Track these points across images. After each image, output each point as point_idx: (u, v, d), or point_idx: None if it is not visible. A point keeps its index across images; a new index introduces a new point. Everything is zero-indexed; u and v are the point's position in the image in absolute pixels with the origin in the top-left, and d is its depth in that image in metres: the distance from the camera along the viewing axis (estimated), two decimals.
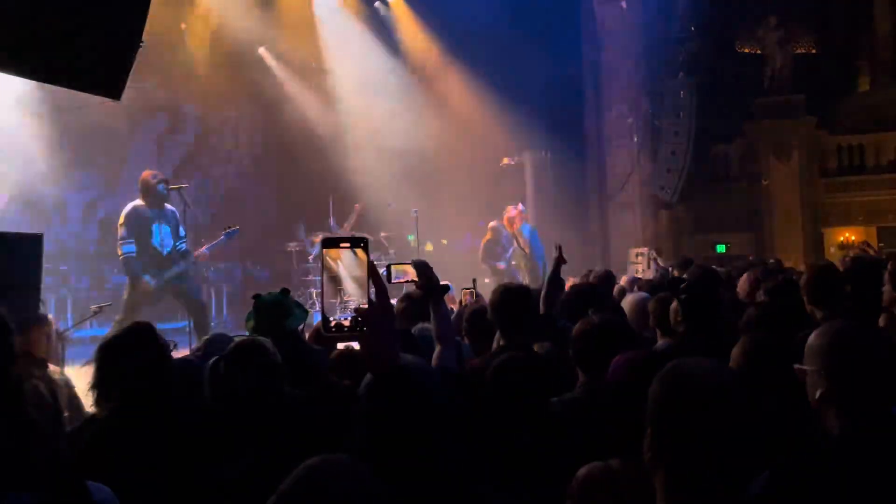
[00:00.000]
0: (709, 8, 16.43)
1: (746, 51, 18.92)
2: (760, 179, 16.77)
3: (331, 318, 1.61)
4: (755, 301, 4.75)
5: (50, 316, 5.07)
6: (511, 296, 3.63)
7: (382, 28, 14.82)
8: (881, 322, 3.99)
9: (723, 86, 16.80)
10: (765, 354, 2.53)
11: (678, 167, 14.72)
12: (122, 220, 7.71)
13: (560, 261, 4.70)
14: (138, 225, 7.64)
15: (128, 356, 2.70)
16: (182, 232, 7.99)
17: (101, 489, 2.04)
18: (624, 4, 15.07)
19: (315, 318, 10.02)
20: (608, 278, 6.25)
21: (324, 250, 1.61)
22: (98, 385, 2.70)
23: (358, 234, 2.96)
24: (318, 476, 1.35)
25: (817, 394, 1.92)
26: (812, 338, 1.97)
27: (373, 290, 1.63)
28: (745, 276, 5.64)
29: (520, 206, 12.08)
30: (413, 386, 1.66)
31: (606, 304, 4.69)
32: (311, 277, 12.39)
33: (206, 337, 4.14)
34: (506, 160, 14.83)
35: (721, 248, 16.33)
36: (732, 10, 18.08)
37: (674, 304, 3.86)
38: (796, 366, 2.02)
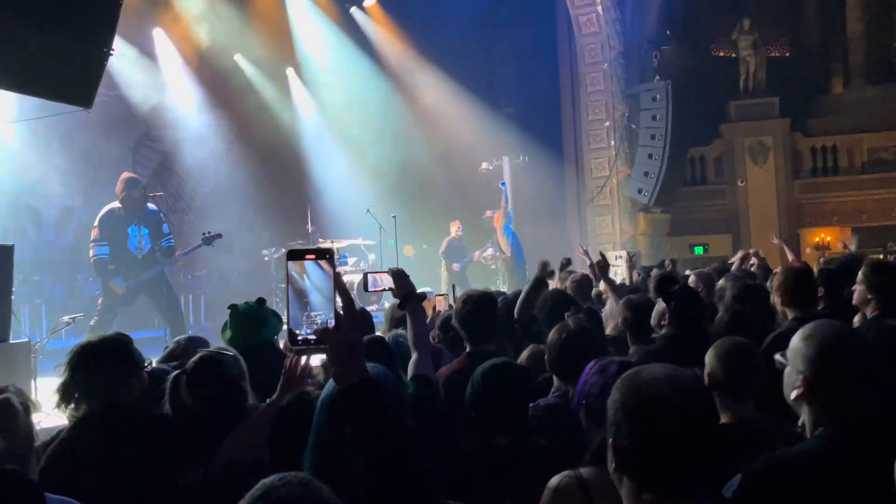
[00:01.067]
0: (684, 12, 16.58)
1: (721, 54, 19.08)
2: (737, 181, 16.91)
3: (297, 333, 1.58)
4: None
5: None
6: (475, 303, 3.63)
7: (359, 34, 14.80)
8: (856, 322, 4.03)
9: (698, 89, 16.92)
10: (740, 359, 2.53)
11: (655, 170, 14.79)
12: (96, 221, 7.65)
13: (543, 280, 4.68)
14: (113, 228, 7.57)
15: (98, 364, 2.66)
16: (166, 229, 7.92)
17: (64, 501, 2.01)
18: (600, 9, 15.14)
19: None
20: (586, 283, 6.26)
21: (288, 262, 1.57)
22: (65, 390, 2.66)
23: (323, 246, 2.98)
24: (274, 497, 1.32)
25: (793, 393, 1.93)
26: (796, 337, 1.97)
27: (339, 302, 1.59)
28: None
29: (503, 189, 12.39)
30: (374, 399, 1.63)
31: (584, 308, 4.70)
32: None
33: (181, 339, 4.08)
34: (484, 165, 14.86)
35: (699, 251, 16.44)
36: (707, 13, 18.25)
37: (661, 306, 3.86)
38: (777, 356, 2.02)
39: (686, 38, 17.23)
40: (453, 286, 6.47)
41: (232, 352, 2.83)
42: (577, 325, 3.03)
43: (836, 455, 1.83)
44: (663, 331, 3.81)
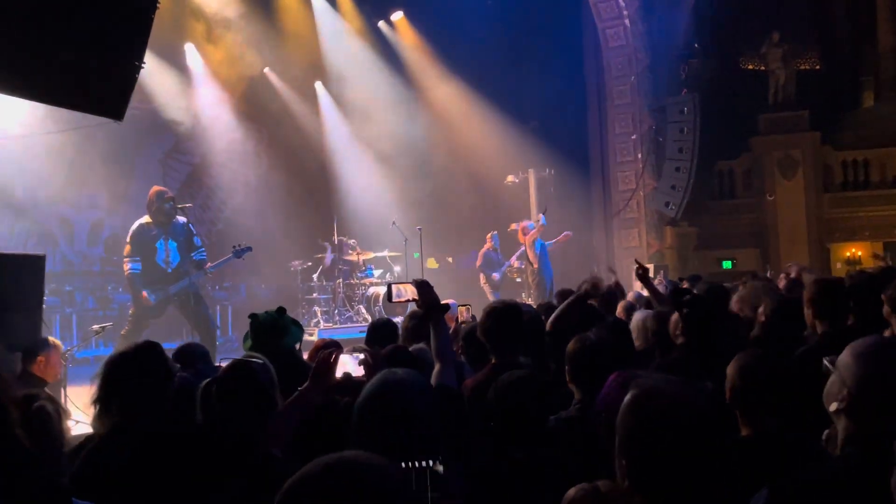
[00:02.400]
0: (712, 25, 16.50)
1: (751, 67, 18.95)
2: (766, 195, 16.74)
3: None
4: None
5: (54, 339, 5.10)
6: (500, 315, 3.63)
7: (387, 48, 14.90)
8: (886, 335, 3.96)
9: (727, 102, 16.82)
10: (759, 372, 2.50)
11: (683, 184, 14.70)
12: (128, 237, 7.82)
13: (588, 296, 4.61)
14: (142, 243, 7.71)
15: (133, 374, 2.70)
16: (197, 241, 8.05)
17: None
18: (627, 22, 15.12)
19: (319, 334, 10.04)
20: (612, 295, 6.23)
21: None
22: (100, 400, 2.70)
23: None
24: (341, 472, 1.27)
25: (833, 404, 1.89)
26: (849, 350, 1.92)
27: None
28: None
29: (540, 219, 12.30)
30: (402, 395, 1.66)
31: (609, 321, 4.67)
32: (315, 296, 12.39)
33: (177, 347, 4.15)
34: (510, 178, 14.86)
35: (727, 265, 16.28)
36: (736, 27, 18.14)
37: (674, 317, 3.84)
38: (825, 360, 1.99)
39: (714, 50, 17.15)
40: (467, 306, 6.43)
41: (261, 359, 2.85)
42: (596, 336, 3.01)
43: (865, 472, 1.79)
44: (678, 342, 3.80)
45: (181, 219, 7.96)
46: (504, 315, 3.61)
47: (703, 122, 14.85)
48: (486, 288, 12.75)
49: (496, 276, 12.69)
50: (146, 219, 7.88)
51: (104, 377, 2.71)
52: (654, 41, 15.18)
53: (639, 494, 1.44)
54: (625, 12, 15.06)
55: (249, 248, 8.53)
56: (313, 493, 1.23)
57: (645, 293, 6.02)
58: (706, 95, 15.31)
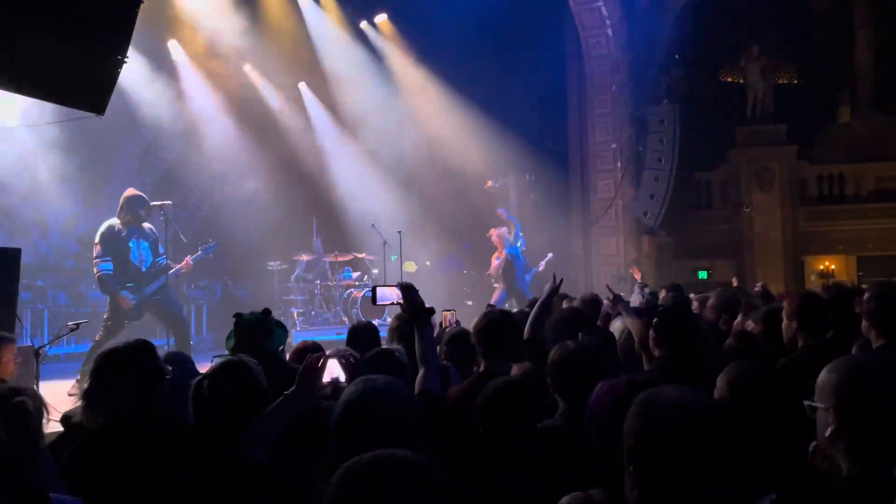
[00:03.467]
0: (693, 37, 16.65)
1: (730, 79, 19.14)
2: (742, 207, 16.91)
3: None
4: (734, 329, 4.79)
5: (8, 334, 4.93)
6: (494, 321, 3.62)
7: (370, 50, 14.86)
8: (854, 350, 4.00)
9: (706, 114, 16.98)
10: (750, 384, 2.51)
11: (661, 193, 14.82)
12: (97, 238, 7.65)
13: (555, 291, 4.70)
14: (114, 243, 7.57)
15: (126, 370, 2.66)
16: (161, 249, 7.94)
17: (64, 501, 2.00)
18: (610, 32, 15.22)
19: (296, 339, 9.97)
20: (595, 302, 6.24)
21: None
22: (89, 395, 2.66)
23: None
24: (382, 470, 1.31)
25: (828, 431, 1.85)
26: (824, 373, 1.89)
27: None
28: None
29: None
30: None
31: (594, 329, 4.67)
32: (292, 297, 12.30)
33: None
34: (490, 183, 14.88)
35: (703, 275, 16.41)
36: (716, 39, 18.32)
37: (651, 330, 3.88)
38: (807, 402, 1.96)
39: (695, 62, 17.30)
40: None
41: (252, 360, 2.83)
42: (577, 343, 3.00)
43: (870, 493, 1.76)
44: (656, 353, 3.83)
45: (148, 225, 7.88)
46: (496, 322, 3.61)
47: (683, 132, 14.98)
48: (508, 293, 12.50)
49: (527, 278, 12.43)
50: (115, 220, 7.74)
51: (95, 373, 2.67)
52: (635, 51, 15.29)
53: (644, 501, 1.43)
54: (607, 21, 15.16)
55: (215, 245, 8.46)
56: (361, 490, 1.28)
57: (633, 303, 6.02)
58: (686, 106, 15.45)
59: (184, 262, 8.00)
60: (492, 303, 10.87)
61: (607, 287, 5.13)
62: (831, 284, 10.47)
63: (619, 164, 15.56)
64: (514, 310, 10.08)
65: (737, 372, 2.54)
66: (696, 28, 16.70)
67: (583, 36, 15.48)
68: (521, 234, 12.22)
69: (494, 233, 12.04)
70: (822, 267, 16.77)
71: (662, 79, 15.67)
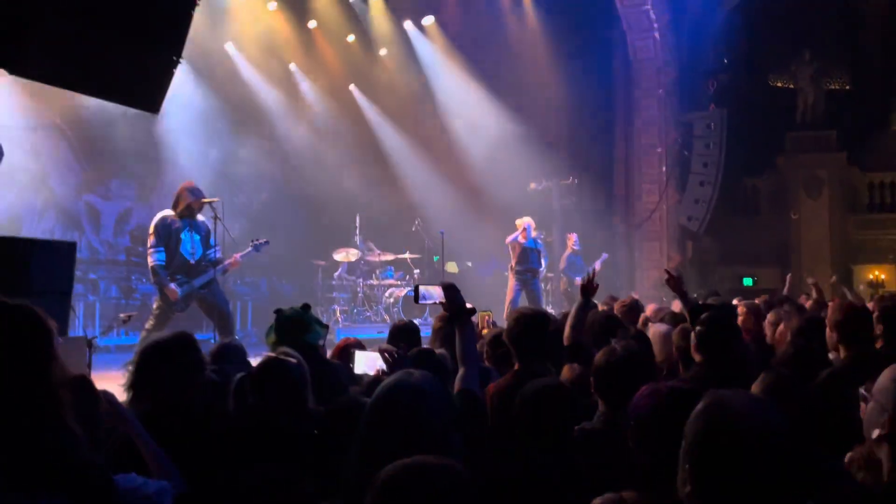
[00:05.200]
0: (742, 41, 16.43)
1: (779, 85, 18.84)
2: (790, 214, 16.63)
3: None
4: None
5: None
6: (527, 321, 3.65)
7: (412, 50, 14.96)
8: None
9: (754, 119, 16.73)
10: (783, 392, 2.51)
11: (707, 198, 14.66)
12: (151, 229, 7.82)
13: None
14: (167, 234, 7.74)
15: (166, 362, 2.76)
16: (213, 241, 8.07)
17: (130, 479, 2.08)
18: (657, 35, 15.10)
19: (338, 336, 10.11)
20: (634, 307, 6.24)
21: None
22: (134, 386, 2.76)
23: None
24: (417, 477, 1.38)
25: (876, 431, 1.87)
26: (887, 377, 1.89)
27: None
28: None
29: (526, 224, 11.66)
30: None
31: (631, 333, 4.68)
32: (335, 294, 12.45)
33: (215, 347, 4.16)
34: (532, 185, 14.85)
35: (748, 282, 16.18)
36: (766, 43, 18.05)
37: (692, 335, 3.87)
38: (861, 390, 1.98)
39: (743, 66, 17.06)
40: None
41: (296, 357, 2.90)
42: (624, 349, 3.03)
43: None
44: (697, 359, 3.82)
45: (201, 218, 8.02)
46: (530, 322, 3.63)
47: (730, 137, 14.80)
48: (569, 292, 12.35)
49: (579, 280, 12.26)
50: (169, 211, 7.92)
51: (139, 364, 2.77)
52: (683, 55, 15.15)
53: (699, 501, 1.47)
54: (655, 25, 15.04)
55: (267, 242, 8.57)
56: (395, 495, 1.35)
57: (675, 307, 5.99)
58: (733, 111, 15.25)
59: (232, 259, 8.13)
60: (508, 301, 11.03)
61: (665, 271, 5.09)
62: (884, 295, 10.27)
63: (664, 169, 15.43)
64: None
65: (770, 380, 2.54)
66: (746, 32, 16.47)
67: (630, 39, 15.38)
68: (541, 247, 11.87)
69: (522, 224, 11.61)
70: (871, 276, 16.40)
71: (710, 83, 15.49)
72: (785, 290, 8.94)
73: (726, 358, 3.63)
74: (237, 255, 8.14)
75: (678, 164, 15.24)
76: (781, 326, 5.12)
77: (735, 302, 7.55)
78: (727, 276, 15.93)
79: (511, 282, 11.37)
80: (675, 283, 4.87)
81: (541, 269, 11.81)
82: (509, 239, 11.43)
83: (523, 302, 10.89)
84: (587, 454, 2.67)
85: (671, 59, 15.21)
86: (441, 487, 1.37)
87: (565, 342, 4.30)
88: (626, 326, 4.89)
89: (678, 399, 2.00)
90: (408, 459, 1.43)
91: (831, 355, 3.94)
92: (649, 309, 7.49)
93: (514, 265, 11.38)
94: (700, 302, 7.50)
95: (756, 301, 7.08)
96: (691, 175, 14.95)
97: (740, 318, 5.78)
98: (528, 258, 11.37)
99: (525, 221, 11.56)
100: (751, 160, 16.57)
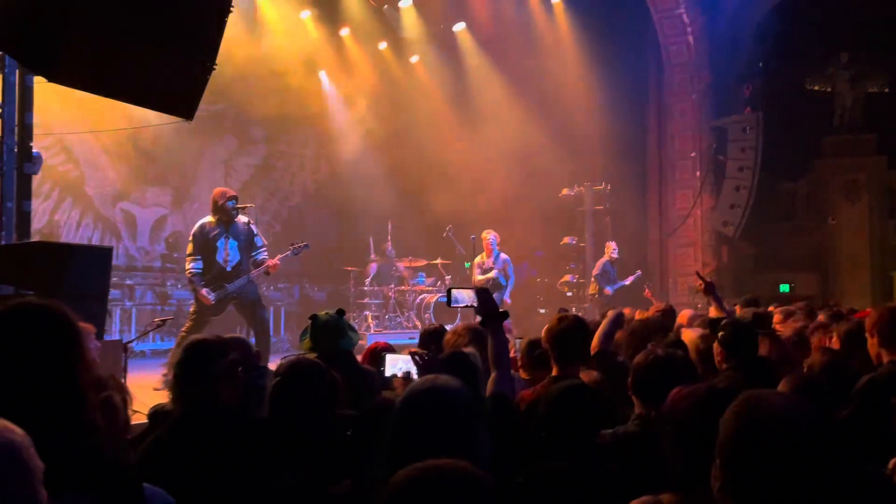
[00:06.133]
0: (778, 44, 16.22)
1: (816, 88, 18.54)
2: (828, 219, 16.35)
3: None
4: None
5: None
6: (570, 327, 3.63)
7: (445, 54, 14.99)
8: None
9: (791, 123, 16.48)
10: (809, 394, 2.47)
11: (742, 203, 14.48)
12: (190, 236, 8.00)
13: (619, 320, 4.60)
14: (204, 242, 7.87)
15: (206, 362, 2.78)
16: (259, 241, 8.17)
17: (156, 493, 2.09)
18: (691, 39, 14.97)
19: (369, 340, 10.12)
20: (670, 313, 6.17)
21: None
22: (175, 386, 2.79)
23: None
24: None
25: None
26: None
27: None
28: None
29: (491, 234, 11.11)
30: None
31: (669, 340, 4.62)
32: (367, 300, 12.50)
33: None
34: (564, 191, 14.79)
35: (785, 288, 15.92)
36: (802, 46, 17.78)
37: (715, 343, 3.85)
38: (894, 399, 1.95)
39: (779, 70, 16.82)
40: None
41: (318, 362, 2.92)
42: (665, 351, 3.00)
43: None
44: (723, 367, 3.79)
45: (243, 219, 8.10)
46: (573, 328, 3.61)
47: (766, 142, 14.60)
48: (598, 299, 12.17)
49: (609, 290, 12.20)
50: (209, 218, 8.04)
51: (179, 363, 2.79)
52: (717, 59, 14.99)
53: (730, 500, 1.44)
54: (688, 28, 14.92)
55: (307, 246, 8.68)
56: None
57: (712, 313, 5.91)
58: (770, 115, 15.04)
59: (272, 262, 8.19)
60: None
61: (697, 273, 5.08)
62: None
63: (698, 174, 15.27)
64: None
65: (791, 385, 2.50)
66: (782, 35, 16.24)
67: (663, 43, 15.26)
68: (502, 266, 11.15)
69: (487, 240, 11.01)
70: None
71: (745, 87, 15.31)
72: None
73: (750, 365, 3.61)
74: (277, 258, 8.23)
75: (713, 169, 15.07)
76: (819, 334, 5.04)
77: (771, 309, 7.44)
78: (763, 283, 15.67)
79: None
80: (708, 289, 4.84)
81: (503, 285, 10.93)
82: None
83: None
84: (620, 457, 2.64)
85: (705, 63, 15.06)
86: (456, 491, 1.35)
87: (592, 350, 4.27)
88: (665, 332, 4.83)
89: (717, 400, 1.96)
90: (422, 463, 1.42)
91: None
92: (684, 315, 7.41)
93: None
94: (737, 308, 7.42)
95: (792, 307, 6.98)
96: (726, 180, 14.78)
97: (777, 325, 5.68)
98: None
99: (490, 235, 11.00)
100: (787, 164, 16.32)
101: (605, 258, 12.61)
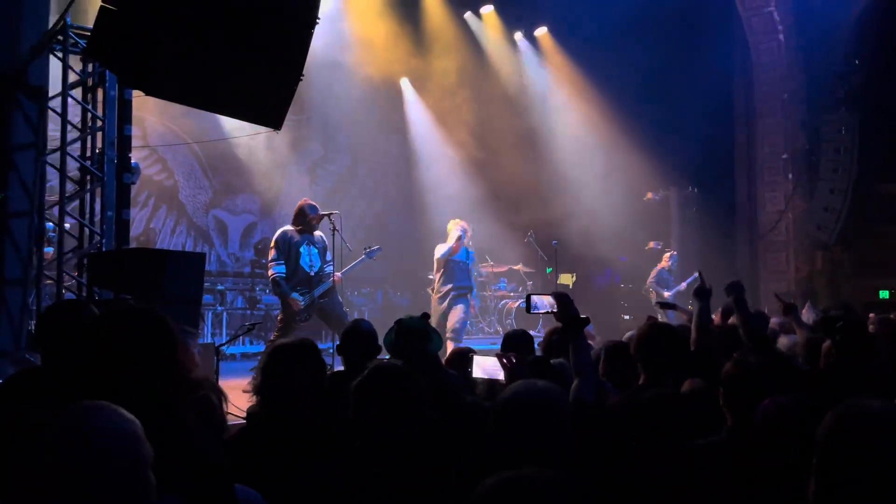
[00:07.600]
0: (874, 41, 15.52)
1: None
2: None
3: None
4: None
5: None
6: (656, 334, 3.56)
7: (525, 59, 14.95)
8: None
9: (890, 122, 15.74)
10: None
11: (837, 206, 13.91)
12: (273, 243, 8.17)
13: (704, 290, 4.51)
14: (287, 248, 8.05)
15: (291, 365, 2.86)
16: (329, 256, 8.35)
17: (249, 493, 2.15)
18: (781, 37, 14.50)
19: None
20: (761, 318, 5.99)
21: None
22: (259, 390, 2.87)
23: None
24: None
25: None
26: None
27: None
28: None
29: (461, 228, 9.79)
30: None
31: (761, 346, 4.49)
32: None
33: (372, 364, 4.29)
34: (650, 195, 14.52)
35: (884, 294, 15.18)
36: None
37: (826, 344, 3.71)
38: None
39: (876, 67, 16.11)
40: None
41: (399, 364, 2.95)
42: (757, 360, 2.90)
43: None
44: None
45: (319, 233, 8.31)
46: (661, 334, 3.55)
47: (862, 142, 14.00)
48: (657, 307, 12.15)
49: (668, 294, 12.07)
50: (290, 226, 8.24)
51: (265, 367, 2.87)
52: (809, 57, 14.46)
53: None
54: (779, 27, 14.45)
55: (379, 249, 8.80)
56: None
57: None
58: (866, 114, 14.41)
59: (335, 277, 8.36)
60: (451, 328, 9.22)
61: (776, 296, 4.95)
62: None
63: (790, 176, 14.76)
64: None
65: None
66: (878, 32, 15.54)
67: (752, 42, 14.83)
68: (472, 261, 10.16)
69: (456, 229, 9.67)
70: None
71: (840, 85, 14.71)
72: None
73: (858, 369, 3.46)
74: (337, 274, 8.36)
75: (805, 171, 14.54)
76: None
77: (871, 316, 7.13)
78: (860, 289, 15.00)
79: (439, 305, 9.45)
80: (788, 310, 4.73)
81: (472, 287, 9.75)
82: (440, 254, 9.56)
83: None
84: (711, 468, 2.58)
85: (796, 61, 14.56)
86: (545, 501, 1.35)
87: (692, 346, 4.15)
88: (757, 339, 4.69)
89: (806, 412, 1.91)
90: (511, 472, 1.42)
91: None
92: (773, 322, 7.18)
93: (436, 286, 9.62)
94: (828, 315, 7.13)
95: (892, 316, 6.67)
96: (820, 182, 14.22)
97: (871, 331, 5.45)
98: (453, 275, 9.50)
99: (458, 226, 9.61)
100: (886, 166, 15.58)
101: (662, 265, 12.36)
